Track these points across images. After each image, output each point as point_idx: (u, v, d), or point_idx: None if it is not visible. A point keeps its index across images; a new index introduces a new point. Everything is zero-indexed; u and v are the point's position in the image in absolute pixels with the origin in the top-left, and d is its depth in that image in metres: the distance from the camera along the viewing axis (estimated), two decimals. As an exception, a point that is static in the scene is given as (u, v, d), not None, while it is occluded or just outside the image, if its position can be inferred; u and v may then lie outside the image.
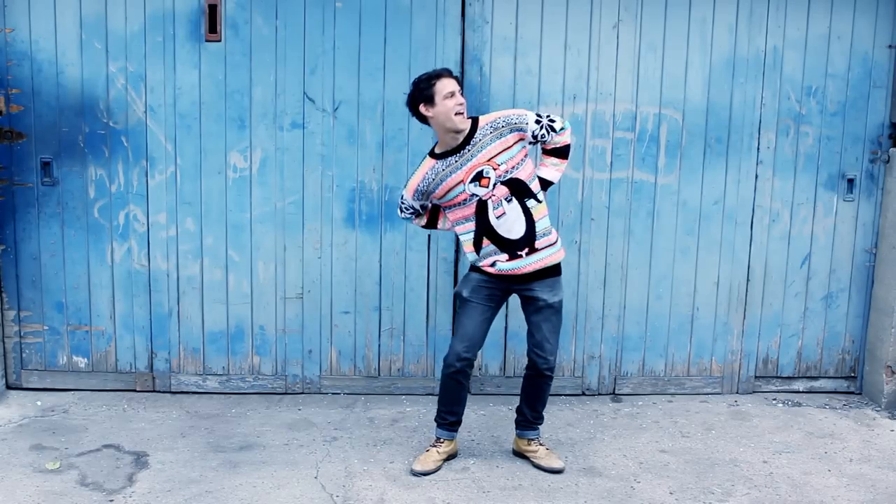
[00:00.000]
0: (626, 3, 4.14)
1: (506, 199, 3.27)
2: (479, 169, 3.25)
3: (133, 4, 4.01)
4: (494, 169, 3.25)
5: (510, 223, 3.29)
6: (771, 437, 3.96)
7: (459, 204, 3.33)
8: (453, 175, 3.28)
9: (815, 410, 4.33)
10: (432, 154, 3.34)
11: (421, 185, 3.35)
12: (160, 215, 4.17)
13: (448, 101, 3.19)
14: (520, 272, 3.34)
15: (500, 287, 3.41)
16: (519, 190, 3.29)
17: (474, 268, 3.44)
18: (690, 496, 3.35)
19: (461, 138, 3.27)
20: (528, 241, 3.31)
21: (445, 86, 3.20)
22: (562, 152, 3.42)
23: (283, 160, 4.16)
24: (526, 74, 4.15)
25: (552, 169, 3.44)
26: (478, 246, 3.35)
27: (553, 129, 3.34)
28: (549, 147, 3.40)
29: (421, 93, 3.24)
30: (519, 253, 3.31)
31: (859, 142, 4.35)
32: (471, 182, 3.27)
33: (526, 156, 3.34)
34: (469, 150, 3.26)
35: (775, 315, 4.46)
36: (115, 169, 4.13)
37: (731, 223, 4.35)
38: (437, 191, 3.34)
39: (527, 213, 3.30)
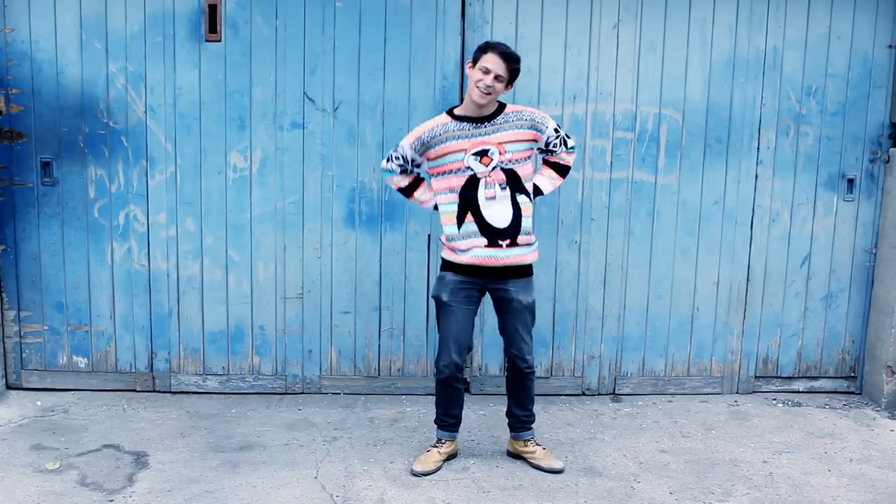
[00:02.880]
0: (626, 3, 4.14)
1: (500, 186, 3.30)
2: (486, 147, 3.28)
3: (133, 4, 4.01)
4: (501, 153, 3.29)
5: (498, 210, 3.30)
6: (771, 437, 3.96)
7: (449, 172, 3.32)
8: (459, 140, 3.29)
9: (815, 410, 4.33)
10: (450, 112, 3.36)
11: (425, 135, 3.34)
12: (160, 215, 4.17)
13: (479, 73, 3.23)
14: (496, 263, 3.32)
15: (476, 285, 3.41)
16: (515, 183, 3.32)
17: (447, 265, 3.42)
18: (690, 496, 3.35)
19: (484, 112, 3.31)
20: (512, 232, 3.32)
21: (488, 61, 3.23)
22: (561, 169, 3.52)
23: (283, 160, 4.16)
24: (526, 74, 4.12)
25: (547, 180, 3.52)
26: (461, 220, 3.33)
27: (565, 144, 3.46)
28: (552, 160, 3.49)
29: (473, 53, 3.33)
30: (500, 242, 3.31)
31: (859, 142, 4.35)
32: (472, 155, 3.29)
33: (530, 157, 3.38)
34: (486, 127, 3.30)
35: (775, 315, 4.46)
36: (115, 169, 4.13)
37: (731, 223, 4.35)
38: (436, 148, 3.33)
39: (516, 206, 3.33)
